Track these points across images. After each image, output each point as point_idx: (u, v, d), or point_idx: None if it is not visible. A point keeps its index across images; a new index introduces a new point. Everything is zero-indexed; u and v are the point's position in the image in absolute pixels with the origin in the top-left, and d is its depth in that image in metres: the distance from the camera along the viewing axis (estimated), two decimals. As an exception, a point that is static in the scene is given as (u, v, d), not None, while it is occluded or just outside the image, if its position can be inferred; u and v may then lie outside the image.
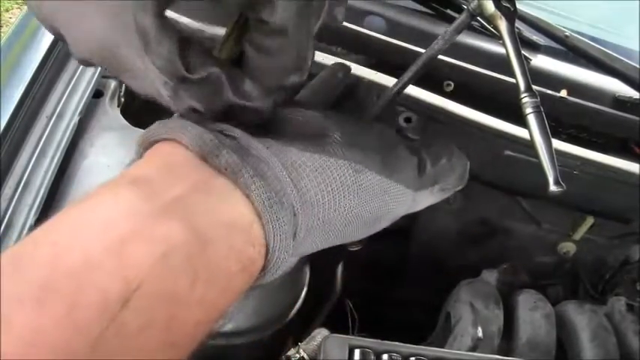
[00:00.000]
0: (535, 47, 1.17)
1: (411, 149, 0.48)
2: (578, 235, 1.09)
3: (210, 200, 0.36)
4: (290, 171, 0.38)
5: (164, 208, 0.33)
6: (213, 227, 0.35)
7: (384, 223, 0.46)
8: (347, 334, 0.78)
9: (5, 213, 0.84)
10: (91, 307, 0.29)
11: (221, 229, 0.35)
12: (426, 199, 0.49)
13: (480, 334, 0.87)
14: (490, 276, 1.00)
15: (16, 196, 0.86)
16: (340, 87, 0.56)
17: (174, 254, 0.32)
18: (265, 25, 0.37)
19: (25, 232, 0.84)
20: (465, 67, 1.03)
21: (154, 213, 0.33)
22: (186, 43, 0.36)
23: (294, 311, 0.85)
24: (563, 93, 1.07)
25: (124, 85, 0.99)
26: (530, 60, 1.11)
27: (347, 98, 0.56)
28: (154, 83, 0.36)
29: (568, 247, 1.11)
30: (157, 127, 0.39)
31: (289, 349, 0.74)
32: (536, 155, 0.57)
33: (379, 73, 0.91)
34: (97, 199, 0.34)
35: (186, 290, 0.33)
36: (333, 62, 0.90)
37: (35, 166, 0.87)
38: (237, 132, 0.39)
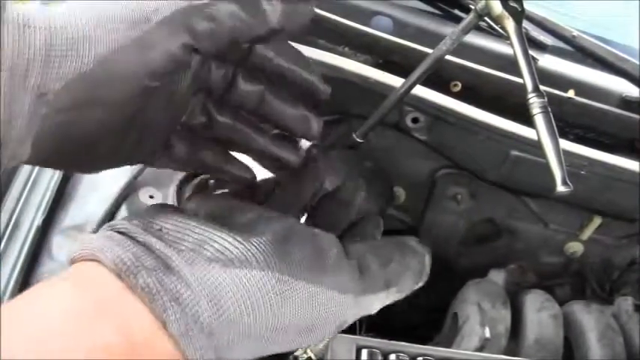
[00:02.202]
0: (542, 47, 1.16)
1: (350, 253, 0.46)
2: (585, 236, 1.08)
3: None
4: (210, 290, 0.38)
5: (98, 312, 0.35)
6: (142, 332, 0.36)
7: (325, 331, 0.44)
8: (354, 334, 0.78)
9: (12, 213, 0.84)
10: None
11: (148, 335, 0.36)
12: (379, 301, 0.47)
13: (488, 334, 0.87)
14: (497, 276, 0.99)
15: (23, 196, 0.87)
16: (316, 186, 0.54)
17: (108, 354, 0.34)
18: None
19: (32, 232, 0.84)
20: (472, 68, 1.02)
21: (90, 315, 0.35)
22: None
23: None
24: (571, 93, 1.07)
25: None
26: (538, 60, 1.10)
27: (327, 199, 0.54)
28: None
29: (575, 248, 1.10)
30: (83, 247, 0.40)
31: (297, 349, 0.74)
32: (544, 155, 0.57)
33: (386, 74, 0.91)
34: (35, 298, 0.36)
35: None
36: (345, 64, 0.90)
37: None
38: (160, 245, 0.39)
